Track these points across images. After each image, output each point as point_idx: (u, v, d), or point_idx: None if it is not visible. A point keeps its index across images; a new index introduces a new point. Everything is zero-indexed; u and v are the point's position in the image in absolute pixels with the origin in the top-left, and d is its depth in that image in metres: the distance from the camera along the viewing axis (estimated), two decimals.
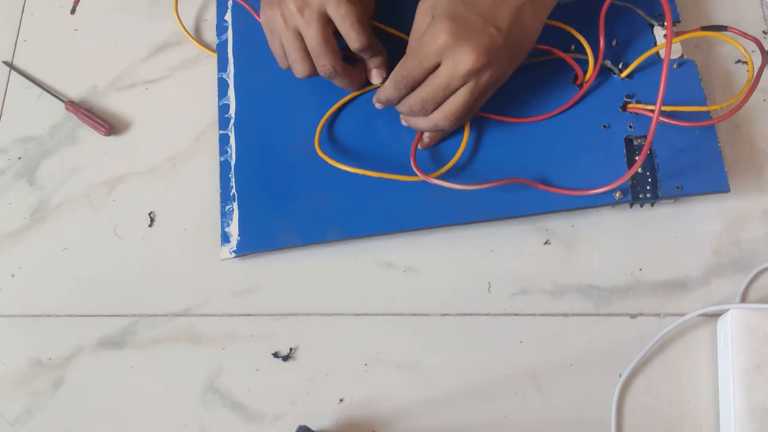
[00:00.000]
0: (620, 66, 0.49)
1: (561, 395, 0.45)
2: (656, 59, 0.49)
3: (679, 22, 0.50)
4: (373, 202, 0.48)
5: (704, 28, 0.46)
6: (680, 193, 0.46)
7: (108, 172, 0.54)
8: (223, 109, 0.53)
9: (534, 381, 0.46)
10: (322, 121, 0.50)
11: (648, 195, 0.46)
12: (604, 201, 0.46)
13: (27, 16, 0.60)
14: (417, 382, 0.46)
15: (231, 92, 0.53)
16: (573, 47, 0.49)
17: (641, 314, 0.47)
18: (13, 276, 0.51)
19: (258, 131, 0.51)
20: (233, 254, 0.49)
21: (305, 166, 0.50)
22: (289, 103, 0.51)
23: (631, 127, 0.47)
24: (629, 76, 0.48)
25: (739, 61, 0.52)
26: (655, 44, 0.49)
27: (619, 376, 0.45)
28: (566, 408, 0.45)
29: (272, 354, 0.48)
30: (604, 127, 0.48)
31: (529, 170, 0.47)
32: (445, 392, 0.46)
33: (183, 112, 0.55)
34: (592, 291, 0.47)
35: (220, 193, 0.50)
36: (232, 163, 0.51)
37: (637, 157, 0.46)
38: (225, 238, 0.49)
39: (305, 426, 0.44)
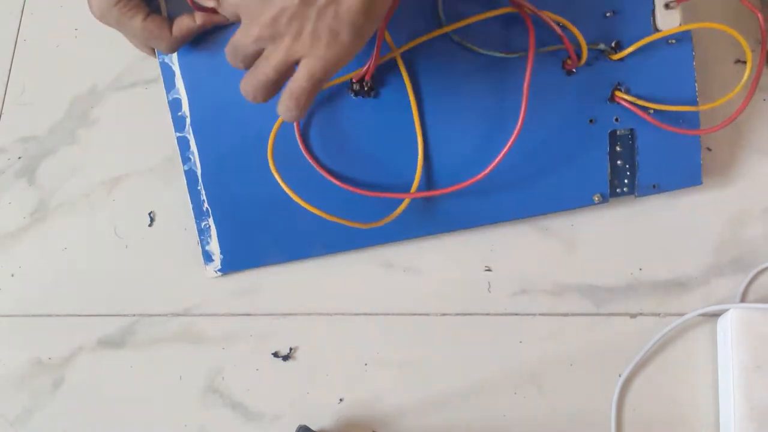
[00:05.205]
0: (613, 44, 0.44)
1: (561, 395, 0.45)
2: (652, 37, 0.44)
3: None
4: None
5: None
6: (657, 188, 0.46)
7: (108, 172, 0.54)
8: (174, 105, 0.45)
9: (534, 381, 0.46)
10: (274, 130, 0.44)
11: (625, 189, 0.46)
12: (582, 203, 0.46)
13: (27, 16, 0.60)
14: (417, 382, 0.46)
15: (179, 82, 0.45)
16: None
17: (641, 314, 0.47)
18: (13, 276, 0.51)
19: (221, 131, 0.45)
20: (219, 273, 0.48)
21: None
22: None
23: (617, 120, 0.45)
24: (621, 58, 0.44)
25: (738, 60, 0.52)
26: (654, 21, 0.44)
27: (619, 376, 0.45)
28: (566, 408, 0.45)
29: (272, 354, 0.48)
30: (590, 122, 0.45)
31: (510, 170, 0.45)
32: (445, 392, 0.46)
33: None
34: (592, 291, 0.47)
35: (192, 208, 0.47)
36: (198, 172, 0.46)
37: (618, 149, 0.46)
38: (207, 257, 0.48)
39: (305, 426, 0.44)
